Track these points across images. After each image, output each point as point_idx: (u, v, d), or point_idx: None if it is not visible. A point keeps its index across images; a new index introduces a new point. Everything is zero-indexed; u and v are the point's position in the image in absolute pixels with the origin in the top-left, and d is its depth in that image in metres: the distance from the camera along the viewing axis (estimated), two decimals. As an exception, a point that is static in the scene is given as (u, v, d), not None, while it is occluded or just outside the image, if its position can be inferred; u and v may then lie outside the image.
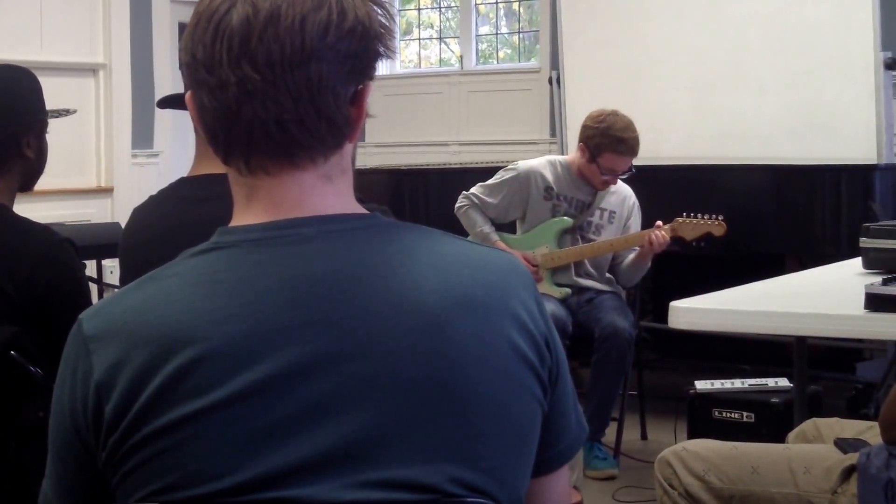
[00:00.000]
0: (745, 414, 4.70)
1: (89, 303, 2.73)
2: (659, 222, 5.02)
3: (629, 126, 5.02)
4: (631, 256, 5.21)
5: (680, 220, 5.04)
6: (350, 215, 1.34)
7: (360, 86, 1.33)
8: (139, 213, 2.44)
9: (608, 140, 5.01)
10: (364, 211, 1.37)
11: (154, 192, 2.49)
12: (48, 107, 2.85)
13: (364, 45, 1.31)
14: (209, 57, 1.28)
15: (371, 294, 1.27)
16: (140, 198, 2.66)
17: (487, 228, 5.28)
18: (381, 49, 1.33)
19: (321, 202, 1.33)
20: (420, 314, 1.27)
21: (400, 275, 1.29)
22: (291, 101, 1.28)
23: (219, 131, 1.32)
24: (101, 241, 5.33)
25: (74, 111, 3.32)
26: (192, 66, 1.31)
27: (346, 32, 1.29)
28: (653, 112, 6.49)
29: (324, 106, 1.29)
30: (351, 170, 1.38)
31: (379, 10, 1.33)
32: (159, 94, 7.52)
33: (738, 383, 4.85)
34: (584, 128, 5.12)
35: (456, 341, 1.27)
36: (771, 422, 4.58)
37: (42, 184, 2.93)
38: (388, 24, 1.33)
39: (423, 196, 6.92)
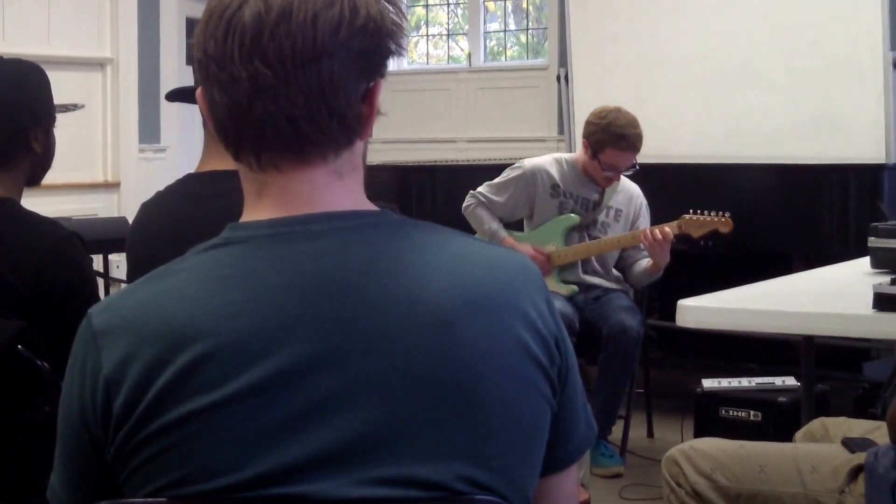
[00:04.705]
0: (752, 413, 4.69)
1: (96, 297, 2.73)
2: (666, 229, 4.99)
3: (631, 122, 5.02)
4: (644, 264, 5.19)
5: (687, 217, 5.04)
6: (360, 212, 1.34)
7: (372, 83, 1.33)
8: (147, 209, 2.45)
9: (609, 136, 5.01)
10: (375, 208, 1.37)
11: (161, 186, 2.50)
12: (56, 101, 2.85)
13: (376, 42, 1.31)
14: (221, 52, 1.28)
15: (381, 291, 1.27)
16: (147, 192, 2.66)
17: (495, 225, 5.28)
18: (393, 46, 1.33)
19: (332, 199, 1.33)
20: (430, 312, 1.27)
21: (410, 272, 1.29)
22: (303, 98, 1.28)
23: (230, 127, 1.32)
24: (107, 236, 5.32)
25: (82, 106, 3.32)
26: (203, 61, 1.31)
27: (358, 29, 1.29)
28: (661, 110, 6.49)
29: (335, 103, 1.29)
30: (362, 167, 1.38)
31: (391, 8, 1.33)
32: (166, 88, 7.51)
33: (745, 382, 4.85)
34: (587, 124, 5.13)
35: (466, 340, 1.27)
36: (778, 421, 4.58)
37: (49, 178, 2.93)
38: (399, 21, 1.33)
39: (430, 193, 6.92)
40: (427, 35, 10.55)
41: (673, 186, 6.05)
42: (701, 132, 6.66)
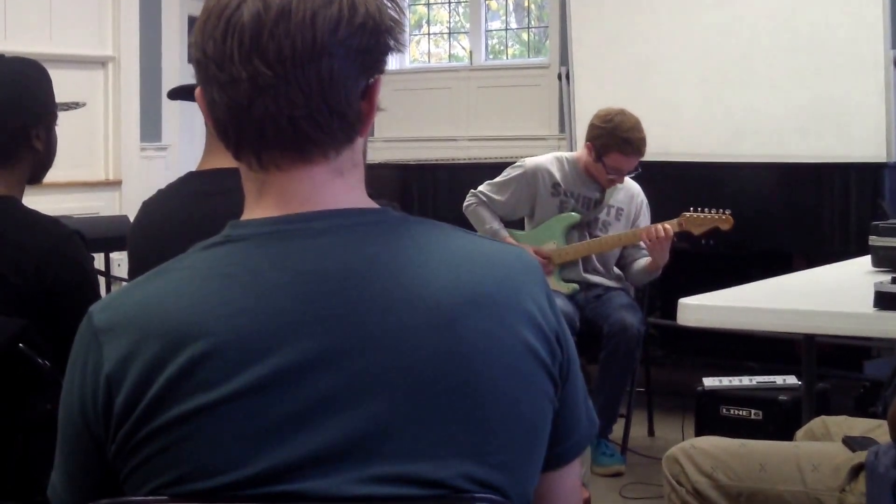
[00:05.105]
0: (752, 411, 4.69)
1: (98, 295, 2.73)
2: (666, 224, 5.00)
3: (636, 126, 5.02)
4: (643, 262, 5.19)
5: (687, 214, 5.04)
6: (361, 209, 1.35)
7: (371, 80, 1.33)
8: (148, 207, 2.45)
9: (614, 140, 5.00)
10: (375, 205, 1.37)
11: (162, 185, 2.50)
12: (57, 99, 2.85)
13: (375, 39, 1.31)
14: (220, 53, 1.28)
15: (382, 290, 1.27)
16: (148, 191, 2.66)
17: (497, 225, 5.28)
18: (392, 43, 1.33)
19: (332, 197, 1.33)
20: (431, 311, 1.27)
21: (411, 270, 1.29)
22: (303, 97, 1.28)
23: (230, 127, 1.32)
24: (109, 234, 5.32)
25: (84, 104, 3.32)
26: (202, 62, 1.31)
27: (357, 27, 1.29)
28: (662, 108, 6.49)
29: (335, 101, 1.29)
30: (362, 164, 1.39)
31: (388, 4, 1.33)
32: (168, 86, 7.51)
33: (745, 380, 4.85)
34: (591, 127, 5.12)
35: (466, 338, 1.27)
36: (779, 419, 4.58)
37: (50, 176, 2.93)
38: (398, 17, 1.34)
39: (431, 191, 6.92)
40: (428, 33, 10.55)
41: (673, 184, 6.05)
42: (702, 130, 6.66)
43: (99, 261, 5.33)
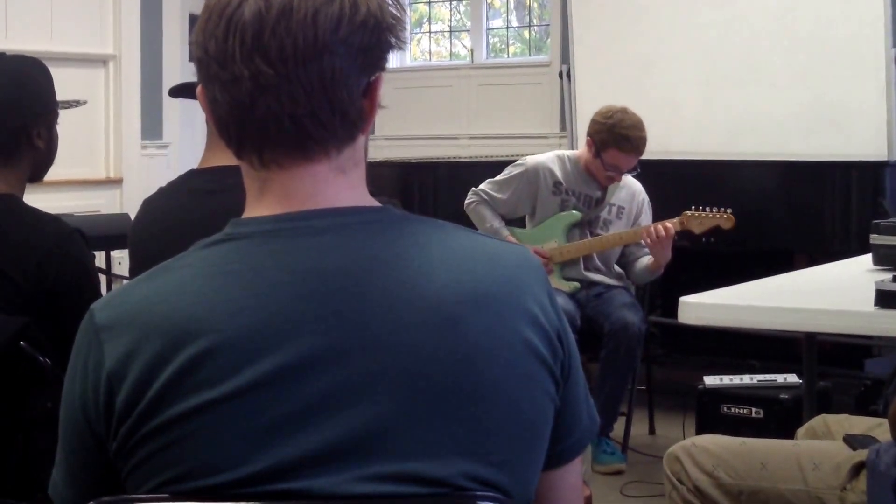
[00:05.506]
0: (753, 410, 4.69)
1: (98, 294, 2.73)
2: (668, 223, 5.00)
3: (636, 125, 5.01)
4: (645, 261, 5.19)
5: (688, 213, 5.04)
6: (363, 208, 1.35)
7: (373, 78, 1.33)
8: (150, 205, 2.45)
9: (614, 137, 5.00)
10: (377, 204, 1.37)
11: (163, 183, 2.50)
12: (58, 98, 2.85)
13: (376, 37, 1.31)
14: (222, 51, 1.28)
15: (383, 288, 1.27)
16: (149, 189, 2.66)
17: (497, 224, 5.28)
18: (393, 40, 1.33)
19: (334, 195, 1.33)
20: (432, 309, 1.27)
21: (412, 269, 1.29)
22: (305, 96, 1.28)
23: (231, 126, 1.32)
24: (109, 232, 5.32)
25: (85, 102, 3.32)
26: (203, 60, 1.31)
27: (359, 25, 1.29)
28: (663, 106, 6.48)
29: (337, 100, 1.29)
30: (364, 162, 1.39)
31: (390, 2, 1.33)
32: (168, 84, 7.48)
33: (746, 379, 4.84)
34: (593, 122, 5.12)
35: (468, 337, 1.27)
36: (780, 418, 4.58)
37: (51, 174, 2.93)
38: (399, 15, 1.34)
39: (432, 189, 6.91)
40: (429, 32, 10.54)
41: (675, 183, 6.04)
42: (703, 128, 6.65)
43: (100, 259, 5.34)
